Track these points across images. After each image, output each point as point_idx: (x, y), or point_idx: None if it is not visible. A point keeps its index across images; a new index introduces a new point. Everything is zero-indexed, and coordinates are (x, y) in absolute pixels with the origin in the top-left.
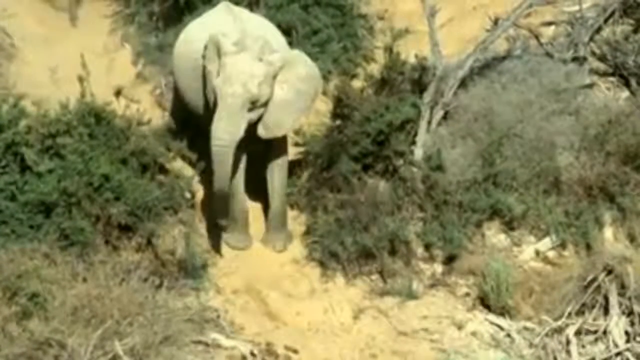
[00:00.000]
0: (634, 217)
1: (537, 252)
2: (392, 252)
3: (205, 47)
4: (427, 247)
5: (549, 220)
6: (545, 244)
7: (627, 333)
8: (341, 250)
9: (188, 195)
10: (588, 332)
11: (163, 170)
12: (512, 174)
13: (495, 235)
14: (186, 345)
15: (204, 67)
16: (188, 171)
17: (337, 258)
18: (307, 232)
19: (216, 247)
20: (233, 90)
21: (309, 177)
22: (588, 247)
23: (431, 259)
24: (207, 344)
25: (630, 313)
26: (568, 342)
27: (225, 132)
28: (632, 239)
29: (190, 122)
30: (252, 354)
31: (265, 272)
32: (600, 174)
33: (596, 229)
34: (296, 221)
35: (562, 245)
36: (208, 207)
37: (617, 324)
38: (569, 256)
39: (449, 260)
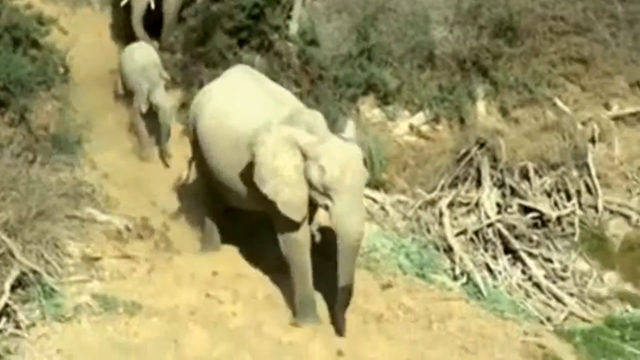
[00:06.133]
0: (506, 90)
1: (411, 127)
2: None
3: (265, 143)
4: None
5: (423, 94)
6: (419, 118)
7: (498, 205)
8: None
9: (62, 70)
10: (461, 204)
11: (36, 45)
12: (387, 49)
13: (369, 109)
14: (60, 220)
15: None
16: (61, 46)
17: None
18: (183, 107)
19: None
20: (358, 180)
21: (184, 51)
22: (461, 120)
23: None
24: (81, 219)
25: (501, 185)
26: (441, 214)
27: (362, 223)
28: (504, 112)
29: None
30: (127, 229)
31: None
32: (473, 47)
33: (469, 103)
34: (174, 96)
35: (436, 120)
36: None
37: (488, 196)
38: (442, 130)
39: None
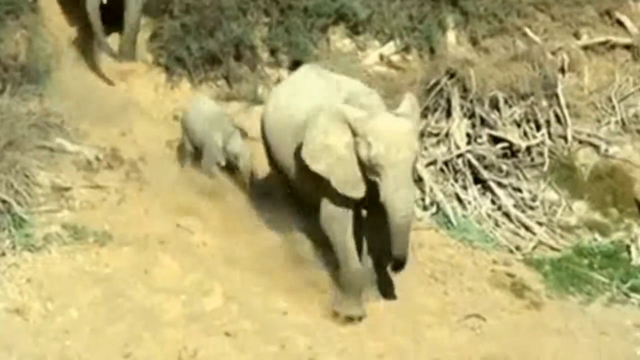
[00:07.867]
0: (477, 20)
1: (382, 57)
2: (238, 58)
3: (316, 121)
4: (273, 52)
5: (393, 24)
6: (389, 48)
7: (468, 135)
8: (187, 56)
9: None
10: (430, 134)
11: None
12: None
13: (340, 39)
14: (30, 150)
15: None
16: None
17: (183, 63)
18: (153, 37)
19: None
20: (405, 156)
21: None
22: (431, 50)
23: (277, 64)
24: (51, 149)
25: (471, 115)
26: None
27: (408, 200)
28: (474, 42)
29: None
30: (97, 159)
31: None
32: None
33: (439, 33)
34: (143, 27)
35: (406, 49)
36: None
37: (458, 127)
38: (412, 60)
39: (295, 65)
